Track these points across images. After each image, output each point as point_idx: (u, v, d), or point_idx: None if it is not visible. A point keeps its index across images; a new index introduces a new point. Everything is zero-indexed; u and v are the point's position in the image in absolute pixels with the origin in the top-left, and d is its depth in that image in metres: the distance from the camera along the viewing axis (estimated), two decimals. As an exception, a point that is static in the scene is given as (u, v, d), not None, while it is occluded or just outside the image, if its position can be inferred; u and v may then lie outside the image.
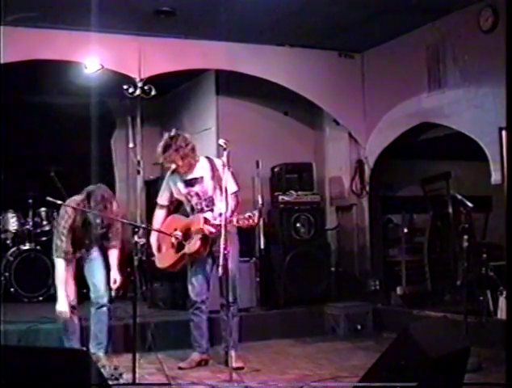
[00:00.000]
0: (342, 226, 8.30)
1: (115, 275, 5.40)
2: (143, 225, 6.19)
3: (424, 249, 8.01)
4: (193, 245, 5.47)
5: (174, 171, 5.68)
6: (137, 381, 4.76)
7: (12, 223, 7.88)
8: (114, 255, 5.48)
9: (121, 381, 4.86)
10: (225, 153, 5.09)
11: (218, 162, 5.51)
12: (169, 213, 5.85)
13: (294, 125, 8.51)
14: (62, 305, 5.20)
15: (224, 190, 5.08)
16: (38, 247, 7.80)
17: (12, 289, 7.54)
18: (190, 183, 5.64)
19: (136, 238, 6.72)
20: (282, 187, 7.70)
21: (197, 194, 5.62)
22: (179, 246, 5.58)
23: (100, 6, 5.95)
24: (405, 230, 7.99)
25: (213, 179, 5.50)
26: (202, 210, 5.59)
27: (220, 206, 5.24)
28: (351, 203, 8.15)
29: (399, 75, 7.53)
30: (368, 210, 8.02)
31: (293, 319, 7.09)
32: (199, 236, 5.42)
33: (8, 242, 7.86)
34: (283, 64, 7.71)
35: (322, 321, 7.20)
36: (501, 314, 6.07)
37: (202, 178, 5.60)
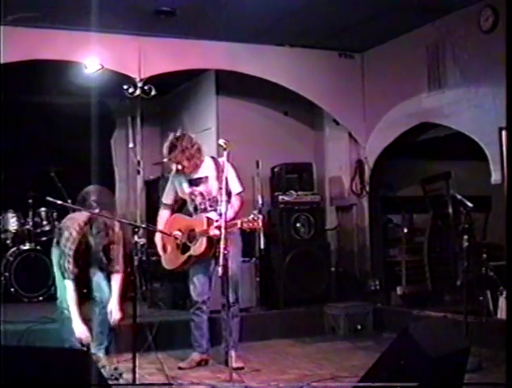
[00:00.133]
0: (342, 226, 8.30)
1: (116, 311, 5.20)
2: (143, 225, 6.19)
3: (424, 249, 7.99)
4: (198, 247, 5.48)
5: (178, 170, 5.68)
6: (137, 381, 4.76)
7: (12, 223, 7.87)
8: (116, 282, 5.29)
9: (121, 381, 4.86)
10: (225, 153, 5.10)
11: (226, 164, 5.48)
12: (173, 213, 5.86)
13: (294, 125, 8.52)
14: (81, 331, 5.07)
15: (224, 190, 5.09)
16: (38, 247, 7.79)
17: (12, 289, 7.53)
18: (194, 183, 5.65)
19: (136, 238, 6.73)
20: (282, 187, 7.70)
21: (201, 194, 5.62)
22: (184, 248, 5.58)
23: (100, 6, 5.95)
24: (405, 230, 7.99)
25: (218, 179, 5.49)
26: (205, 210, 5.59)
27: (227, 207, 5.23)
28: (351, 203, 8.16)
29: (399, 75, 7.53)
30: (368, 210, 8.02)
31: (293, 319, 7.09)
32: (205, 238, 5.43)
33: (8, 242, 7.85)
34: (283, 64, 7.72)
35: (322, 321, 7.20)
36: (501, 314, 6.07)
37: (207, 178, 5.61)
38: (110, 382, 4.60)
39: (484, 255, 6.37)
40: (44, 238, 7.90)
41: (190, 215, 5.71)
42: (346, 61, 8.01)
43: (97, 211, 5.12)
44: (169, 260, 5.75)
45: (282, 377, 5.30)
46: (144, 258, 7.23)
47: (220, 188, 5.31)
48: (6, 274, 7.57)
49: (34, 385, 3.24)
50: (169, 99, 9.23)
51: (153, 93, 7.24)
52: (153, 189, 8.00)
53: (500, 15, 6.17)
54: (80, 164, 7.84)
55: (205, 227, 5.43)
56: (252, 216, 5.18)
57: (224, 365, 5.46)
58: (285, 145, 8.22)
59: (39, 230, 7.96)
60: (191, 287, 5.69)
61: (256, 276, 7.16)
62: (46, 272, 7.26)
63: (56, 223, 7.88)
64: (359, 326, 7.11)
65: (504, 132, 6.09)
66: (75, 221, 5.24)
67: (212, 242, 5.43)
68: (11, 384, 3.19)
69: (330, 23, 7.07)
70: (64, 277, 5.14)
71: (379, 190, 8.11)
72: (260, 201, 6.87)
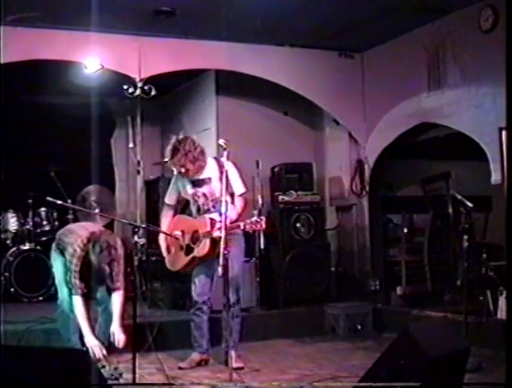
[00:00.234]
0: (341, 226, 8.29)
1: (118, 333, 5.16)
2: (143, 225, 6.19)
3: (424, 249, 8.00)
4: (202, 248, 5.47)
5: (181, 173, 5.63)
6: (137, 381, 4.76)
7: (12, 223, 7.86)
8: (117, 300, 5.26)
9: (121, 381, 4.86)
10: (225, 153, 5.09)
11: (227, 164, 5.47)
12: (176, 213, 5.86)
13: (294, 125, 8.51)
14: (94, 345, 5.07)
15: (224, 190, 5.08)
16: (38, 247, 7.79)
17: (12, 289, 7.53)
18: (197, 184, 5.63)
19: (136, 238, 6.72)
20: (282, 187, 7.70)
21: (204, 195, 5.61)
22: (188, 249, 5.58)
23: (100, 6, 5.96)
24: (405, 230, 7.99)
25: (221, 181, 5.47)
26: (208, 211, 5.58)
27: (227, 208, 5.22)
28: (351, 203, 8.15)
29: (399, 75, 7.53)
30: (368, 210, 8.02)
31: (293, 319, 7.09)
32: (208, 239, 5.42)
33: (8, 242, 7.85)
34: (283, 64, 7.71)
35: (322, 321, 7.19)
36: (501, 313, 6.07)
37: (210, 179, 5.59)
38: (110, 382, 4.60)
39: (484, 255, 6.37)
40: (44, 238, 7.89)
41: (192, 215, 5.71)
42: (346, 60, 8.01)
43: (97, 211, 5.12)
44: (173, 262, 5.75)
45: (282, 377, 5.30)
46: (144, 258, 7.22)
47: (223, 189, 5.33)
48: (6, 274, 7.56)
49: (34, 385, 3.24)
50: (169, 99, 9.23)
51: (153, 93, 7.24)
52: (153, 189, 7.99)
53: (500, 15, 6.17)
54: (80, 164, 7.85)
55: (208, 228, 5.42)
56: (255, 218, 5.17)
57: (224, 365, 5.45)
58: (285, 145, 8.21)
59: (39, 230, 7.95)
60: (192, 287, 5.69)
61: (256, 276, 7.16)
62: (46, 272, 7.25)
63: (56, 223, 7.90)
64: (359, 326, 7.11)
65: (504, 132, 6.09)
66: (78, 237, 5.25)
67: (216, 244, 5.40)
68: (11, 384, 3.19)
69: (330, 23, 7.07)
70: (71, 293, 5.17)
71: (379, 190, 8.11)
72: (260, 201, 6.88)
